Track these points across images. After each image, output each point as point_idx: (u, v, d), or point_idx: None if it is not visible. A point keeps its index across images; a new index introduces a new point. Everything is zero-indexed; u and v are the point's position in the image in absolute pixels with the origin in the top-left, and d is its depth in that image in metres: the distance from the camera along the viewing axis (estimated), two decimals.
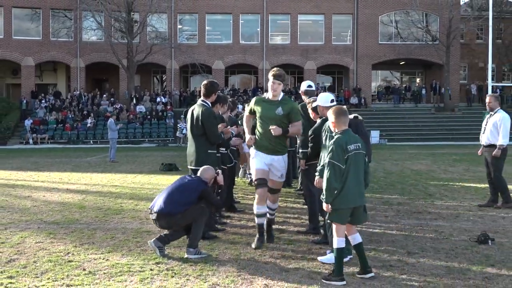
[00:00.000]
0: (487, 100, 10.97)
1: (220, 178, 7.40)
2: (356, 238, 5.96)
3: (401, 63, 49.62)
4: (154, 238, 6.91)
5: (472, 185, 13.64)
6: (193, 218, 6.77)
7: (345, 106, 6.47)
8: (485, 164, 10.94)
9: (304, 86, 9.15)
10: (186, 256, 6.75)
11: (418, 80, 52.75)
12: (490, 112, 10.64)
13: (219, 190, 7.48)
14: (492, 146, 10.48)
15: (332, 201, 5.73)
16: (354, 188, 5.79)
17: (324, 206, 5.87)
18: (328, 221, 6.08)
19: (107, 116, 36.27)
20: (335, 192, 5.69)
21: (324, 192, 5.76)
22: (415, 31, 45.98)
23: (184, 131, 36.77)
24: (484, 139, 10.64)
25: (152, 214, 6.85)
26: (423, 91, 48.05)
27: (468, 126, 39.00)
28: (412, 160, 22.28)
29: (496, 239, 7.66)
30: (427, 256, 6.91)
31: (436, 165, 19.75)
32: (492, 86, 32.91)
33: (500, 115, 10.48)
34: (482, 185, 11.08)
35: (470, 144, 30.17)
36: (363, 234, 6.28)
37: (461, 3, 48.30)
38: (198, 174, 7.24)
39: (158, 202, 6.81)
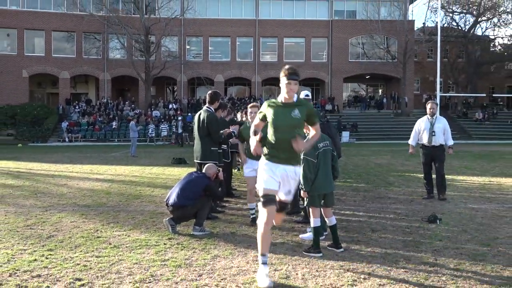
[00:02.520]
0: (430, 106, 10.01)
1: (221, 174, 7.45)
2: (331, 221, 5.99)
3: (366, 77, 49.79)
4: (168, 218, 6.93)
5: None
6: (201, 206, 6.80)
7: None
8: (426, 162, 10.04)
9: (302, 95, 8.75)
10: (192, 232, 6.76)
11: (380, 91, 52.93)
12: (430, 117, 9.92)
13: (220, 184, 7.52)
14: (441, 146, 9.90)
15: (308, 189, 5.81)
16: (324, 178, 5.86)
17: (302, 193, 5.94)
18: (307, 205, 6.12)
19: (129, 119, 36.25)
20: (311, 181, 5.76)
21: (302, 182, 5.80)
22: (378, 51, 46.25)
23: (152, 133, 37.04)
24: (434, 140, 9.81)
25: (168, 207, 6.89)
26: (385, 100, 48.28)
27: None
28: (376, 155, 22.34)
29: (443, 219, 7.70)
30: (388, 232, 6.93)
31: (395, 160, 19.82)
32: (440, 96, 33.08)
33: (445, 120, 10.09)
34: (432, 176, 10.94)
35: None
36: (336, 215, 6.29)
37: (415, 28, 48.48)
38: (203, 170, 7.28)
39: (172, 197, 6.85)
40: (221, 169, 7.60)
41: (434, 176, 9.98)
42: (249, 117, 7.78)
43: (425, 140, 10.00)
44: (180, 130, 34.69)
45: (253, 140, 4.95)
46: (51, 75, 45.03)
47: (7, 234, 6.79)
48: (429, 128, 9.92)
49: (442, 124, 9.94)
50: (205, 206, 6.87)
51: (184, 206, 6.74)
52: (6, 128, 39.25)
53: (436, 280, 4.90)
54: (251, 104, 7.87)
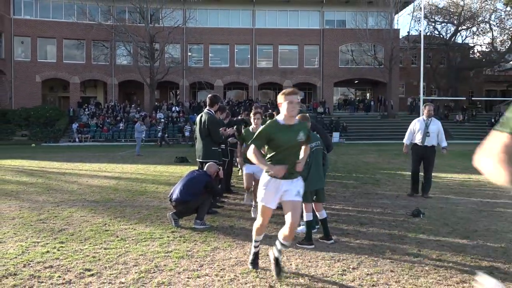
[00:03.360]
0: (428, 108, 9.67)
1: (221, 173, 7.47)
2: (322, 214, 6.00)
3: (355, 82, 49.80)
4: (172, 212, 6.93)
5: (408, 173, 13.70)
6: (202, 202, 6.81)
7: (307, 114, 6.43)
8: (418, 160, 9.79)
9: None
10: (194, 226, 6.76)
11: (368, 94, 52.97)
12: (426, 118, 9.65)
13: (220, 182, 7.52)
14: (432, 147, 9.61)
15: None
16: (316, 175, 5.87)
17: None
18: None
19: (135, 121, 36.14)
20: (305, 178, 5.77)
21: None
22: (366, 58, 46.24)
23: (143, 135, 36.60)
24: (428, 141, 9.55)
25: (172, 202, 6.90)
26: (372, 103, 48.31)
27: (405, 128, 39.18)
28: (364, 154, 22.36)
29: (426, 213, 7.72)
30: (375, 226, 6.94)
31: (381, 158, 19.85)
32: (423, 99, 33.11)
33: (439, 123, 9.75)
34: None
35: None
36: (327, 209, 6.30)
37: (400, 37, 48.55)
38: (205, 169, 7.28)
39: (175, 193, 6.86)
40: (221, 167, 7.61)
41: (421, 173, 9.86)
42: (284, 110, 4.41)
43: (418, 140, 9.73)
44: (160, 133, 34.46)
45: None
46: (63, 80, 44.93)
47: (22, 228, 6.78)
48: (423, 129, 9.66)
49: (436, 126, 9.66)
50: (205, 201, 6.88)
51: (186, 201, 6.74)
52: (20, 129, 39.16)
53: (420, 269, 4.91)
54: (290, 92, 4.38)
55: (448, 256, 5.38)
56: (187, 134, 35.48)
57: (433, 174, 10.16)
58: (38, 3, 44.27)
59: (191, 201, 6.75)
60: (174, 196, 6.83)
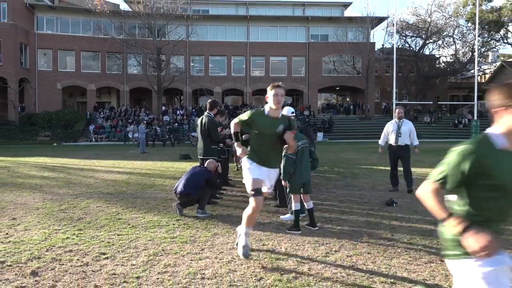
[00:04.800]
0: (398, 111, 9.34)
1: (220, 168, 7.46)
2: (309, 205, 6.01)
3: (337, 88, 49.85)
4: (177, 203, 6.91)
5: (383, 168, 13.78)
6: (203, 194, 6.80)
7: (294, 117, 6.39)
8: (393, 160, 9.31)
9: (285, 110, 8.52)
10: (196, 215, 6.75)
11: (348, 99, 53.06)
12: (398, 120, 9.23)
13: (219, 177, 7.51)
14: (406, 146, 9.16)
15: (288, 180, 5.83)
16: (302, 170, 5.88)
17: (283, 182, 5.97)
18: (289, 192, 6.14)
19: (144, 123, 35.85)
20: (289, 173, 5.81)
21: (282, 174, 5.83)
22: (346, 67, 46.31)
23: (135, 135, 35.74)
24: (400, 141, 9.09)
25: (176, 194, 6.88)
26: (351, 107, 48.39)
27: (380, 129, 39.22)
28: (344, 151, 22.40)
29: (398, 203, 7.75)
30: (354, 214, 6.96)
31: (360, 155, 19.89)
32: (396, 103, 33.19)
33: (411, 124, 9.38)
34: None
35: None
36: (312, 200, 6.30)
37: (376, 49, 48.66)
38: (205, 165, 7.27)
39: (179, 186, 6.85)
40: (219, 164, 7.60)
41: (400, 168, 9.38)
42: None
43: (392, 141, 9.29)
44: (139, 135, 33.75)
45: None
46: (80, 87, 44.69)
47: (45, 217, 6.75)
48: (396, 130, 9.26)
49: (408, 127, 9.26)
50: (206, 194, 6.87)
51: (189, 194, 6.73)
52: (44, 131, 38.94)
53: (393, 251, 4.93)
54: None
55: (417, 240, 5.41)
56: (193, 134, 35.24)
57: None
58: (58, 19, 44.03)
59: (193, 194, 6.74)
60: (179, 189, 6.81)
